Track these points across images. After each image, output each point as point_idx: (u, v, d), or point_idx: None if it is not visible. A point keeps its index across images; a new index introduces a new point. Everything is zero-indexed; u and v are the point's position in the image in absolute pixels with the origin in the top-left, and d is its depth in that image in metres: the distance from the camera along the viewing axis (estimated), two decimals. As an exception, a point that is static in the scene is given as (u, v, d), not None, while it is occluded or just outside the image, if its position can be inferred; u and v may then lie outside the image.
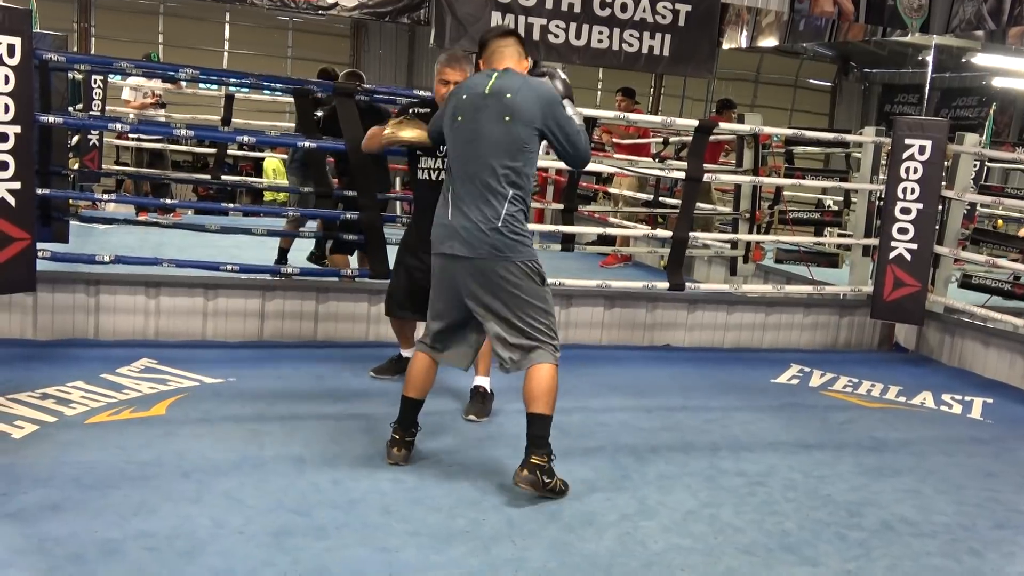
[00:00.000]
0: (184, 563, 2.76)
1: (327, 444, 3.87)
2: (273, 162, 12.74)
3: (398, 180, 12.38)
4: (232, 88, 8.54)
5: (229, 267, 5.25)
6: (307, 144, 5.38)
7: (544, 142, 3.64)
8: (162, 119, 9.60)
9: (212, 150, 9.57)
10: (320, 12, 5.68)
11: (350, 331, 5.61)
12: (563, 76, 3.86)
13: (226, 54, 16.78)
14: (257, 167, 13.81)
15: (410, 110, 4.55)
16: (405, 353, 4.91)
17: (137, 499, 3.17)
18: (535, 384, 3.49)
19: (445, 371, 4.00)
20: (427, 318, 3.78)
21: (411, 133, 4.18)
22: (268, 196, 12.68)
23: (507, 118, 3.52)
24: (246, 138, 5.65)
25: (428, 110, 4.42)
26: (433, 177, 4.27)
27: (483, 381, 4.49)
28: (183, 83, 9.50)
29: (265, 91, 9.35)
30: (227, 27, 16.78)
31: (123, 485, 3.28)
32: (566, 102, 3.63)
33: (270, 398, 4.40)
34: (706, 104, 11.15)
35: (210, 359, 4.94)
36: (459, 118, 3.62)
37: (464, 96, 3.64)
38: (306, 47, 17.06)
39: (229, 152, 9.64)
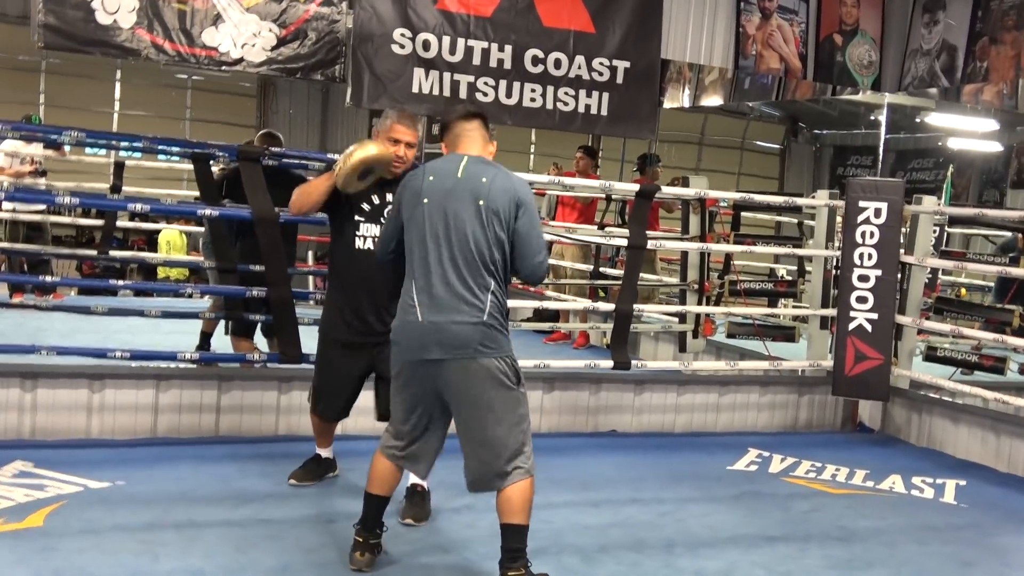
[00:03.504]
0: None
1: (231, 555, 3.75)
2: (169, 234, 12.58)
3: (310, 254, 12.36)
4: (123, 153, 8.45)
5: (118, 354, 5.12)
6: (208, 212, 5.34)
7: None
8: (42, 188, 9.43)
9: (99, 222, 9.42)
10: (224, 68, 5.67)
11: (258, 424, 5.49)
12: None
13: (116, 115, 16.63)
14: (151, 240, 13.62)
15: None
16: (324, 453, 4.79)
17: (7, 626, 3.03)
18: (515, 496, 3.47)
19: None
20: (390, 422, 3.72)
21: (374, 149, 4.10)
22: (163, 273, 12.49)
23: (481, 202, 3.51)
24: (138, 206, 5.58)
25: None
26: (375, 248, 4.12)
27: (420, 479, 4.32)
28: (66, 148, 9.36)
29: (160, 156, 9.29)
30: (117, 86, 16.66)
31: (-10, 610, 3.14)
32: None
33: (165, 503, 4.27)
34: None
35: (96, 460, 4.79)
36: (425, 200, 3.56)
37: (431, 178, 3.59)
38: (207, 108, 16.99)
39: (119, 224, 9.47)
